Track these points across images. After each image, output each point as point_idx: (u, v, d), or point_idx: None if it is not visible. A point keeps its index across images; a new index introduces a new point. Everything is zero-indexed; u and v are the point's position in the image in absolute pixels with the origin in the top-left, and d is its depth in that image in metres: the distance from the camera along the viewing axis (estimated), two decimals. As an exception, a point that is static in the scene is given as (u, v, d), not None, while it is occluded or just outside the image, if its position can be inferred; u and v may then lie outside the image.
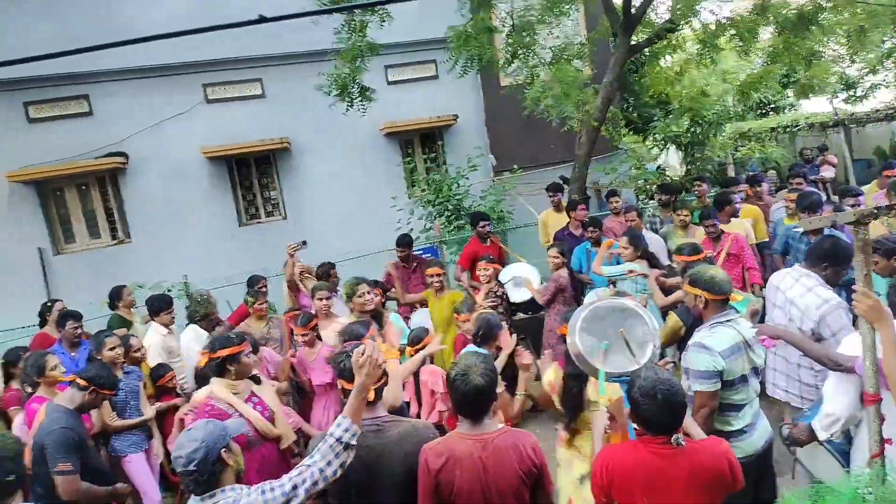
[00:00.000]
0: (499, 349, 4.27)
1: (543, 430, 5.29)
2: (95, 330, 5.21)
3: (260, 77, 10.91)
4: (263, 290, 6.14)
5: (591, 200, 10.60)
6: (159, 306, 5.66)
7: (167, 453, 4.78)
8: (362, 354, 2.45)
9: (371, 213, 10.55)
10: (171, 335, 5.68)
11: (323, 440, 2.39)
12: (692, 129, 10.51)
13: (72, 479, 3.42)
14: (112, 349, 4.62)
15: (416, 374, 4.70)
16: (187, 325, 5.73)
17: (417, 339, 4.72)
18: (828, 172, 11.79)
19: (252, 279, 6.36)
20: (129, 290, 6.25)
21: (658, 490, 2.38)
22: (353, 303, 5.20)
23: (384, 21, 7.54)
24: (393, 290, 6.70)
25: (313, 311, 5.28)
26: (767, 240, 6.78)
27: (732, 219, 6.43)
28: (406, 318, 6.45)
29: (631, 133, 12.40)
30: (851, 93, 16.41)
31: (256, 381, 3.61)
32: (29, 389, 4.46)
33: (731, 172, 12.86)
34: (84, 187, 10.48)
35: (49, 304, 6.22)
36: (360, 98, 8.19)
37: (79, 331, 5.44)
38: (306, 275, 6.36)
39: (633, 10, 8.01)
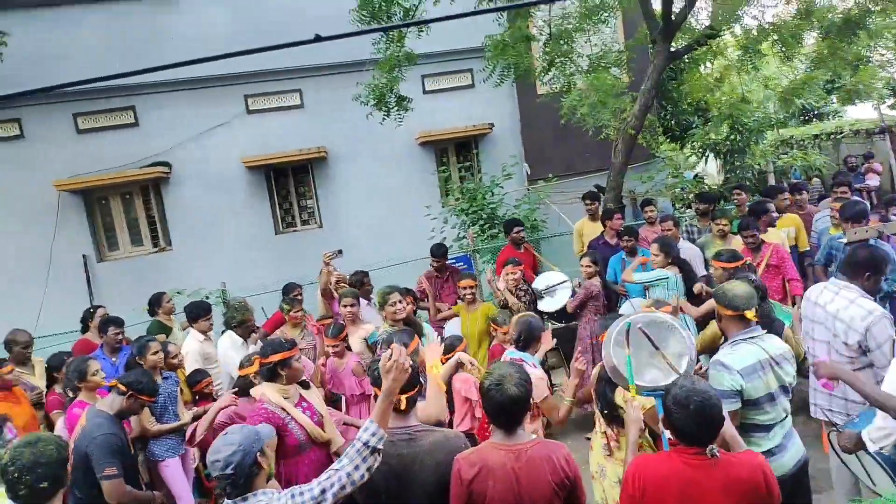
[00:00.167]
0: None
1: (574, 443, 5.23)
2: (136, 336, 5.31)
3: (299, 88, 11.09)
4: (299, 297, 6.20)
5: (627, 209, 10.48)
6: (198, 313, 5.74)
7: (202, 457, 4.83)
8: (389, 359, 2.46)
9: (405, 221, 10.60)
10: (209, 341, 5.76)
11: (351, 444, 2.40)
12: (732, 137, 10.31)
13: (118, 484, 3.49)
14: (155, 353, 4.71)
15: (448, 382, 4.69)
16: (223, 331, 5.82)
17: (451, 348, 4.70)
18: (873, 181, 11.47)
19: (288, 287, 6.44)
20: (168, 297, 6.38)
21: (692, 501, 2.33)
22: (385, 311, 5.22)
23: (422, 31, 7.60)
24: (424, 300, 6.71)
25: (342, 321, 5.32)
26: (809, 249, 6.60)
27: (769, 228, 6.28)
28: (440, 328, 6.45)
29: (668, 141, 12.23)
30: (899, 98, 15.95)
31: (305, 385, 3.66)
32: (71, 394, 4.56)
33: (772, 181, 12.57)
34: (128, 196, 10.78)
35: (92, 310, 6.34)
36: (396, 107, 8.25)
37: (120, 336, 5.53)
38: (342, 284, 6.41)
39: (673, 17, 7.90)
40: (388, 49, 7.73)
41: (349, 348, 4.97)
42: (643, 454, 2.77)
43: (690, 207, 8.95)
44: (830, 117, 18.11)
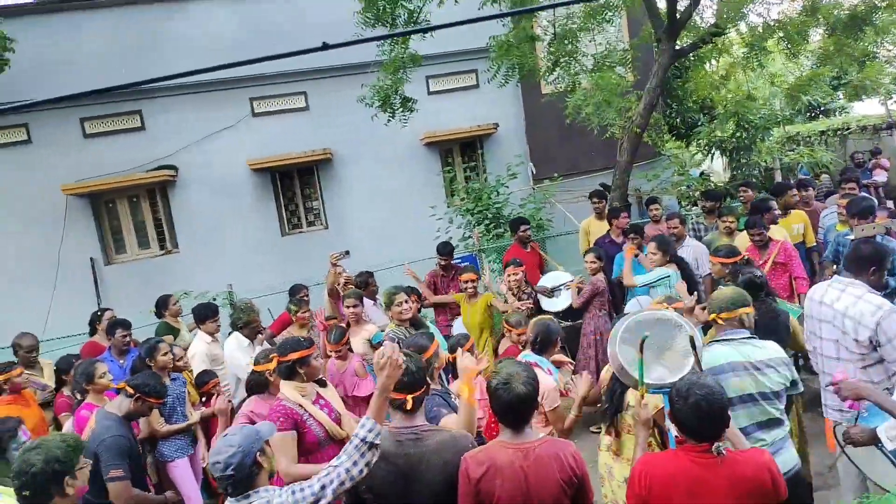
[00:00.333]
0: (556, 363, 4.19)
1: (582, 441, 5.22)
2: (143, 338, 5.33)
3: (304, 90, 11.12)
4: (305, 298, 6.23)
5: (633, 208, 10.46)
6: (205, 314, 5.74)
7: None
8: (382, 356, 2.48)
9: (411, 222, 10.63)
10: (216, 343, 5.76)
11: (349, 441, 2.43)
12: (738, 134, 10.27)
13: (124, 486, 3.50)
14: (165, 354, 4.73)
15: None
16: (230, 333, 5.83)
17: (458, 346, 4.69)
18: (880, 177, 11.44)
19: (294, 288, 6.46)
20: (174, 299, 6.40)
21: (698, 499, 2.33)
22: (391, 312, 5.23)
23: (426, 33, 7.60)
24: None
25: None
26: (816, 245, 6.57)
27: (772, 225, 6.25)
28: (448, 326, 6.46)
29: (674, 139, 12.19)
30: (906, 94, 15.81)
31: (322, 383, 3.69)
32: (79, 396, 4.58)
33: (778, 177, 12.52)
34: (135, 199, 10.84)
35: (99, 312, 6.37)
36: (401, 109, 8.26)
37: (128, 339, 5.55)
38: (349, 286, 6.41)
39: (677, 15, 7.88)
40: (393, 51, 7.75)
41: (351, 350, 4.99)
42: (649, 452, 2.77)
43: (696, 205, 8.92)
44: (837, 113, 18.02)
